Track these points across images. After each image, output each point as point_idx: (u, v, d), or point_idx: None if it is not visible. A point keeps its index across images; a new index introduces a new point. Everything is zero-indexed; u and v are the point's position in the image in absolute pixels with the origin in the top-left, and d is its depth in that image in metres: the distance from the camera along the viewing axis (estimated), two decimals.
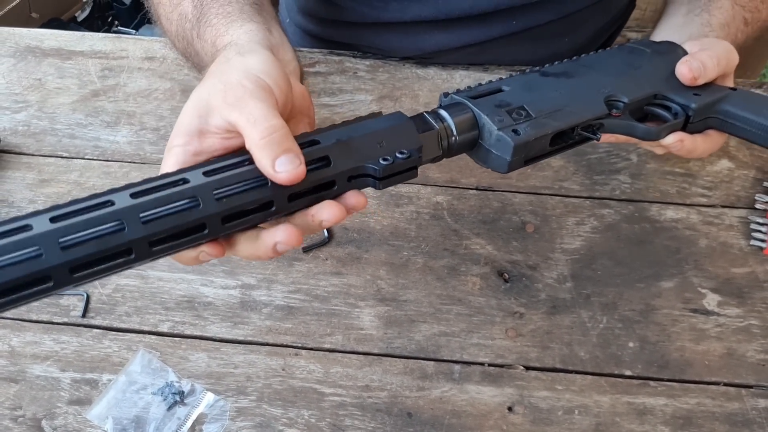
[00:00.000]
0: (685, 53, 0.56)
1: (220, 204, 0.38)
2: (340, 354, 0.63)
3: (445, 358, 0.62)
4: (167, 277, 0.67)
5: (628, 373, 0.62)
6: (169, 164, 0.41)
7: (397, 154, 0.43)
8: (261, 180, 0.40)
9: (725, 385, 0.61)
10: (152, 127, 0.78)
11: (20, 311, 0.63)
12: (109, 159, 0.76)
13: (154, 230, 0.36)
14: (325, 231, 0.70)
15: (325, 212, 0.42)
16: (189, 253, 0.40)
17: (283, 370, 0.62)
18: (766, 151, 0.76)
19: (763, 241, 0.69)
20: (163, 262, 0.66)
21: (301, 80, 0.56)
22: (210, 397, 0.60)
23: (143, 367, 0.61)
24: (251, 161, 0.40)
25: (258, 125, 0.40)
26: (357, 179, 0.43)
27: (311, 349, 0.63)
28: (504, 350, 0.63)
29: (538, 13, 0.80)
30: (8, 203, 0.72)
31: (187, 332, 0.64)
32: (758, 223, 0.70)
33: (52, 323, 0.64)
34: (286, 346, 0.63)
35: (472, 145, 0.48)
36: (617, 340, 0.63)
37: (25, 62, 0.84)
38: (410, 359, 0.62)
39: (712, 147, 0.57)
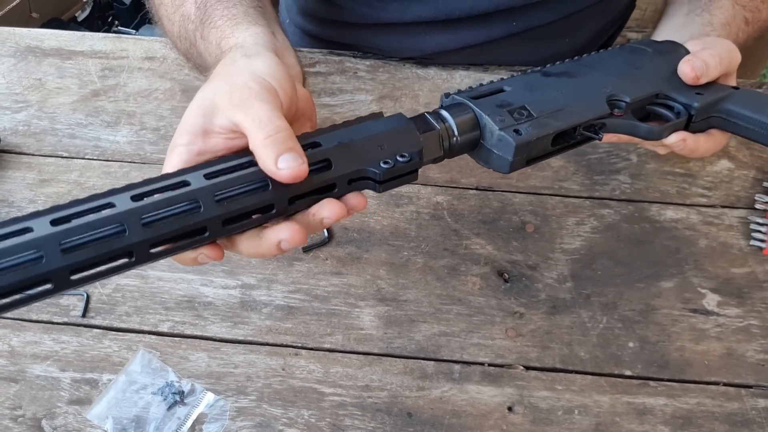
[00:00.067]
0: (688, 52, 0.56)
1: (220, 207, 0.38)
2: (340, 354, 0.63)
3: (445, 358, 0.62)
4: (167, 277, 0.67)
5: (628, 373, 0.62)
6: (173, 163, 0.41)
7: (398, 158, 0.43)
8: (262, 182, 0.40)
9: (725, 385, 0.61)
10: (152, 127, 0.78)
11: (20, 311, 0.63)
12: (110, 159, 0.76)
13: (155, 233, 0.36)
14: (325, 231, 0.70)
15: (326, 210, 0.42)
16: (188, 255, 0.40)
17: (283, 369, 0.62)
18: (766, 151, 0.76)
19: (762, 241, 0.69)
20: (163, 262, 0.65)
21: (304, 84, 0.56)
22: (210, 396, 0.60)
23: (143, 366, 0.61)
24: (253, 163, 0.40)
25: (263, 126, 0.40)
26: (357, 182, 0.43)
27: (311, 349, 0.63)
28: (504, 350, 0.63)
29: (539, 14, 0.80)
30: (8, 203, 0.72)
31: (187, 332, 0.64)
32: (758, 224, 0.70)
33: (52, 323, 0.64)
34: (286, 346, 0.63)
35: (474, 145, 0.48)
36: (617, 340, 0.64)
37: (26, 62, 0.84)
38: (410, 359, 0.62)
39: (715, 146, 0.56)
